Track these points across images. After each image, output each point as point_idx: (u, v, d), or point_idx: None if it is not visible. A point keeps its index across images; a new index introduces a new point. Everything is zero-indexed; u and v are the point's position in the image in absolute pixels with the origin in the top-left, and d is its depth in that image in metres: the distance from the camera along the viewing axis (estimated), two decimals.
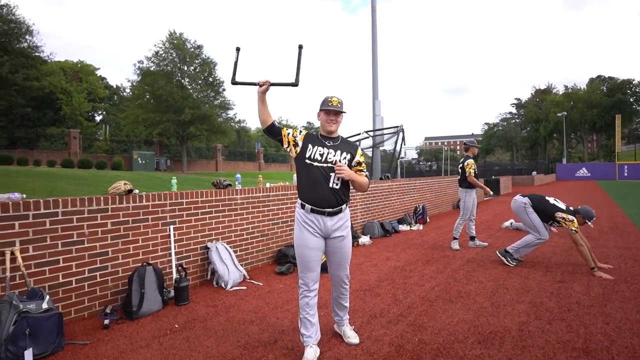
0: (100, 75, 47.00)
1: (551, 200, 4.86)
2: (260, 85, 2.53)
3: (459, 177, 6.31)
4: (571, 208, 4.77)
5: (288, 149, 2.65)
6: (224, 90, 34.30)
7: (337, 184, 2.53)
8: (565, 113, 46.46)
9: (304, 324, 2.58)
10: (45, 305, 2.74)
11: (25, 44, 23.89)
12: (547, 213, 4.76)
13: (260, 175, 6.58)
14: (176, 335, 2.98)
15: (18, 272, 2.94)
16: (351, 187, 2.66)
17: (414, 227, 8.20)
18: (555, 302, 3.56)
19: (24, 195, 3.31)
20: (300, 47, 2.59)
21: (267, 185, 5.48)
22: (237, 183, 5.25)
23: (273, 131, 2.63)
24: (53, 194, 10.12)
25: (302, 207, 2.58)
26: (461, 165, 6.24)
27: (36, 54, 24.93)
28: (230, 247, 4.55)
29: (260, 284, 4.31)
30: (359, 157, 2.67)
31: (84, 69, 44.05)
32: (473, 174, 6.04)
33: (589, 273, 4.53)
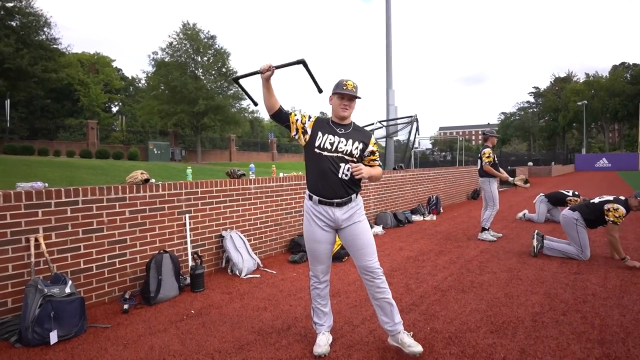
0: (116, 67, 47.72)
1: (596, 200, 4.71)
2: (263, 72, 2.35)
3: (478, 167, 6.23)
4: (621, 197, 4.57)
5: (297, 137, 2.50)
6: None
7: (346, 175, 2.38)
8: (586, 102, 45.21)
9: (316, 312, 2.60)
10: (68, 290, 2.85)
11: (44, 37, 24.33)
12: (597, 212, 4.55)
13: (274, 165, 6.62)
14: (192, 321, 3.06)
15: (42, 258, 3.06)
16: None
17: (427, 218, 8.16)
18: (571, 294, 3.52)
19: (46, 185, 3.43)
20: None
21: (280, 175, 5.52)
22: (250, 173, 5.30)
23: (280, 117, 2.48)
24: (73, 183, 10.40)
25: (310, 198, 2.47)
26: (479, 155, 6.17)
27: (54, 46, 25.39)
28: (244, 235, 4.62)
29: (274, 272, 4.38)
30: (372, 147, 2.50)
31: (100, 60, 44.75)
32: (489, 164, 5.96)
33: (606, 264, 4.45)
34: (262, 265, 4.55)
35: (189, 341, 2.70)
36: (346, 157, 2.38)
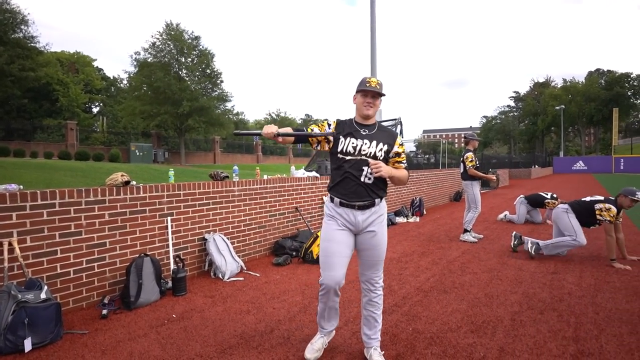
0: (97, 67, 46.69)
1: (587, 198, 4.83)
2: (267, 137, 2.25)
3: (460, 170, 6.34)
4: (611, 197, 4.73)
5: (319, 147, 2.40)
6: (221, 82, 34.10)
7: (369, 179, 2.29)
8: (564, 106, 46.52)
9: (322, 317, 2.50)
10: (43, 295, 2.77)
11: (21, 34, 23.65)
12: (588, 211, 4.67)
13: (258, 168, 6.59)
14: (174, 325, 3.02)
15: (16, 262, 2.97)
16: (389, 181, 2.40)
17: (411, 219, 8.25)
18: (548, 293, 3.61)
19: (21, 187, 3.33)
20: (309, 135, 2.33)
21: (265, 177, 5.50)
22: (234, 175, 5.26)
23: (300, 140, 2.46)
24: (50, 185, 10.11)
25: (332, 200, 2.38)
26: (462, 158, 6.27)
27: (32, 44, 24.69)
28: (227, 238, 4.58)
29: (257, 275, 4.35)
30: (397, 148, 2.38)
31: (80, 59, 43.70)
32: (472, 167, 6.08)
33: (581, 264, 4.59)
34: (245, 268, 4.52)
35: (170, 346, 2.66)
36: (370, 159, 2.27)
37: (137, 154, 27.74)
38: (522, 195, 8.10)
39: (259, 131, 2.30)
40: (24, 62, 23.32)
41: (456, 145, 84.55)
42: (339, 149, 2.32)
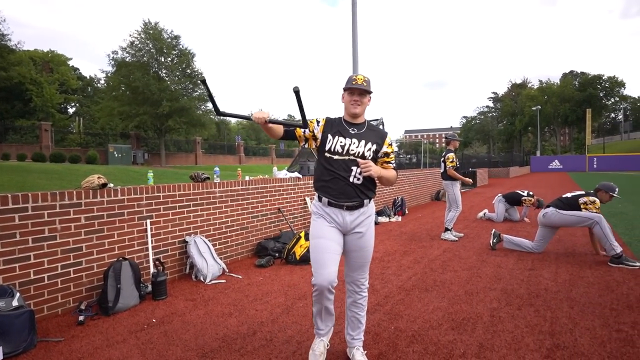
0: (73, 66, 45.34)
1: (569, 195, 4.92)
2: (256, 122, 2.20)
3: (441, 170, 6.43)
4: (590, 191, 4.85)
5: (306, 145, 2.39)
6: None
7: (358, 179, 2.25)
8: (540, 107, 47.82)
9: (318, 318, 2.39)
10: (15, 303, 2.67)
11: None
12: (572, 207, 4.74)
13: (239, 169, 6.53)
14: (154, 330, 2.96)
15: None
16: (377, 182, 2.37)
17: (393, 219, 8.33)
18: (525, 289, 3.71)
19: None
20: (296, 91, 2.06)
21: (247, 178, 5.45)
22: (215, 176, 5.20)
23: (288, 137, 2.37)
24: (23, 188, 9.76)
25: (320, 199, 2.32)
26: (443, 158, 6.36)
27: (2, 42, 23.78)
28: (209, 240, 4.52)
29: (240, 277, 4.31)
30: (386, 148, 2.34)
31: (55, 59, 42.35)
32: (452, 168, 6.19)
33: (557, 260, 4.73)
34: (227, 270, 4.47)
35: (150, 351, 2.60)
36: (358, 159, 2.23)
37: (116, 155, 27.09)
38: (500, 194, 8.29)
39: (248, 115, 2.28)
40: None
41: (437, 145, 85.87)
42: (327, 148, 2.28)
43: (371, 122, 2.43)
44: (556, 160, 38.79)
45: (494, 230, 5.53)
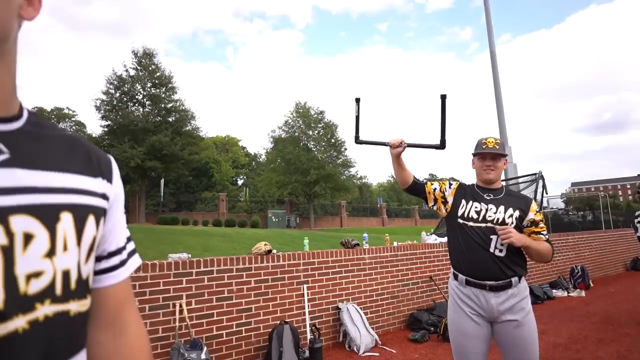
0: (242, 145, 55.06)
1: None
2: (393, 147, 2.10)
3: (637, 233, 5.12)
4: None
5: (435, 207, 2.21)
6: (345, 149, 36.29)
7: (500, 250, 1.95)
8: None
9: None
10: (203, 356, 3.07)
11: (189, 127, 29.81)
12: None
13: (387, 234, 6.49)
14: None
15: (184, 322, 3.40)
16: (527, 257, 2.05)
17: (573, 293, 6.84)
18: None
19: (190, 255, 3.92)
20: (444, 97, 2.01)
21: (395, 244, 5.36)
22: (364, 242, 5.26)
23: (416, 189, 2.20)
24: (207, 249, 11.73)
25: (455, 277, 2.07)
26: (638, 218, 5.08)
27: (197, 133, 30.82)
28: (360, 308, 4.48)
29: (394, 351, 4.07)
30: (533, 215, 2.02)
31: (229, 141, 52.41)
32: None
33: None
34: (380, 342, 4.28)
35: None
36: (496, 227, 1.96)
37: (273, 220, 30.59)
38: None
39: (385, 140, 2.18)
40: (192, 147, 29.10)
41: (621, 199, 69.99)
42: (460, 213, 2.06)
43: (512, 186, 2.12)
44: None
45: None
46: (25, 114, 0.56)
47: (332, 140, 36.26)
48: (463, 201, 2.10)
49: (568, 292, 6.87)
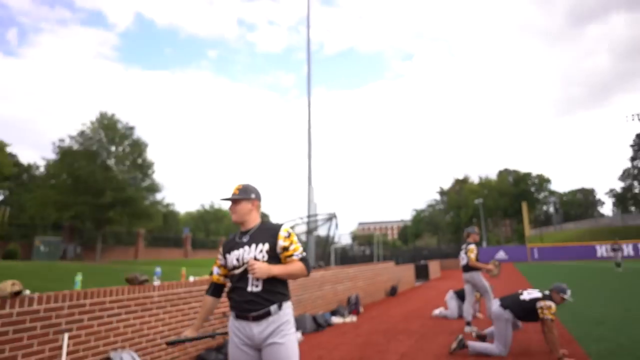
0: (11, 152, 43.08)
1: (526, 296, 4.79)
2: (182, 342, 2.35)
3: (462, 263, 6.51)
4: (546, 292, 4.79)
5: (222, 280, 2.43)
6: (153, 172, 33.14)
7: (256, 286, 2.15)
8: (482, 200, 51.67)
9: None
10: None
11: None
12: (528, 311, 4.68)
13: (184, 268, 6.03)
14: None
15: None
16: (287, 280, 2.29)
17: (347, 319, 7.89)
18: None
19: None
20: (171, 342, 2.40)
21: (191, 278, 5.01)
22: (155, 277, 4.72)
23: (227, 278, 2.37)
24: None
25: (232, 314, 2.27)
26: (464, 250, 6.47)
27: None
28: (138, 355, 3.89)
29: None
30: (282, 242, 2.22)
31: None
32: (474, 258, 6.36)
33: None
34: None
35: None
36: (248, 267, 2.16)
37: (42, 249, 24.56)
38: (451, 290, 8.28)
39: (208, 334, 2.37)
40: None
41: (389, 237, 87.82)
42: (228, 266, 2.28)
43: (269, 222, 2.39)
44: (502, 251, 40.65)
45: (460, 335, 5.12)
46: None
47: (139, 161, 32.60)
48: (226, 256, 2.29)
49: (344, 318, 7.89)
